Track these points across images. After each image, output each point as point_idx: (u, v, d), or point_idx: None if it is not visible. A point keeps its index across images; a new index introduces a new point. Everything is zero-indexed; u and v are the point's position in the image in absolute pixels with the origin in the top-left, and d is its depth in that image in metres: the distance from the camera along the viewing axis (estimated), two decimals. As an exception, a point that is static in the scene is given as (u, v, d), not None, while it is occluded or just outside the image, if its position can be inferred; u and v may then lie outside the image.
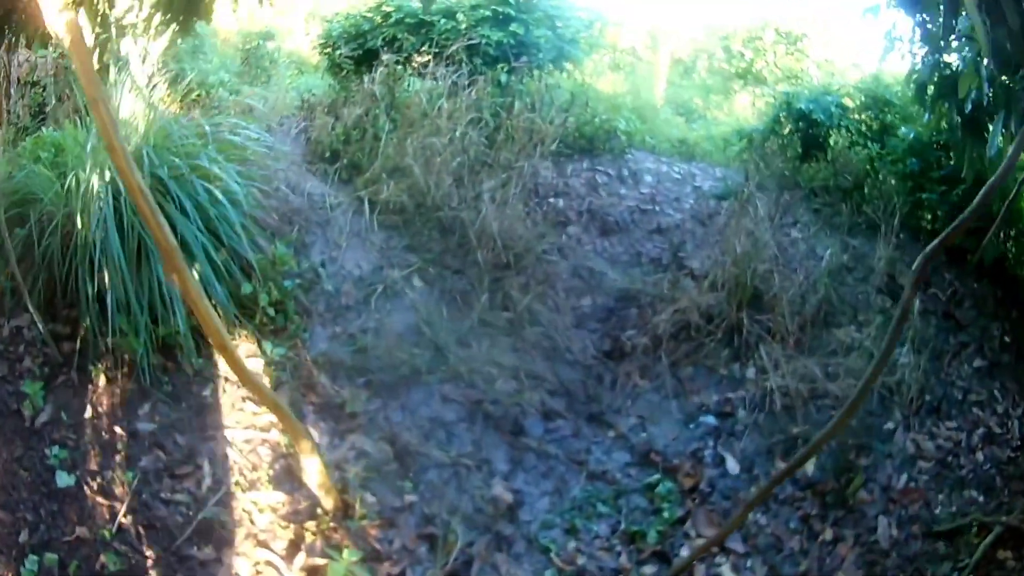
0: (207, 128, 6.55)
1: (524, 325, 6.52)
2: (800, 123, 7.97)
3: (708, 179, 8.64)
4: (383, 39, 8.37)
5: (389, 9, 8.58)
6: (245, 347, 6.01)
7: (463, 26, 8.18)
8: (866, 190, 7.32)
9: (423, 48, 8.04)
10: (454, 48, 7.85)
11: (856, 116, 8.00)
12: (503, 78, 7.92)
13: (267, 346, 6.21)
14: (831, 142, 7.99)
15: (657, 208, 7.88)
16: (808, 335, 6.61)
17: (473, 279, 6.84)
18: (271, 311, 6.41)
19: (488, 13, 8.21)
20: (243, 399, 5.57)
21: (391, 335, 6.48)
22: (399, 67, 8.00)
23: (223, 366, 5.56)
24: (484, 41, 8.03)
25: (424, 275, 6.95)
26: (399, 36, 8.21)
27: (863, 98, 8.09)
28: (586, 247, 7.23)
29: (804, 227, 7.41)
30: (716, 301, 6.40)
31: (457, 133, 7.32)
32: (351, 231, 7.28)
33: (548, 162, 7.76)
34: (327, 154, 7.88)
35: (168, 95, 7.42)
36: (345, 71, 8.60)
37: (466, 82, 7.86)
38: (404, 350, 6.32)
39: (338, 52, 8.68)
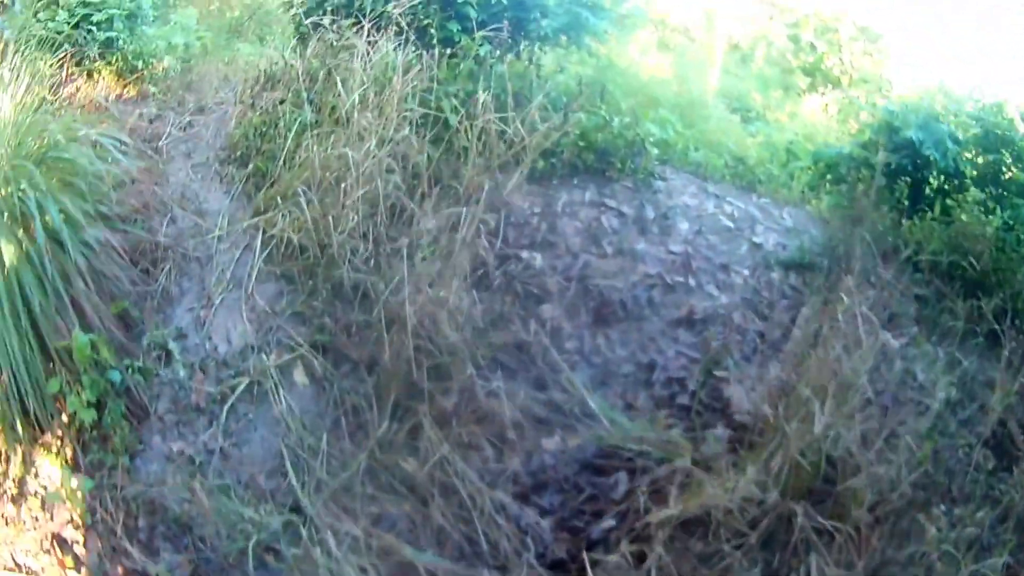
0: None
1: (433, 489, 4.41)
2: (905, 158, 5.33)
3: (773, 229, 5.80)
4: None
5: None
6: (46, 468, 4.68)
7: None
8: (993, 278, 5.21)
9: (385, 7, 5.52)
10: (419, 4, 5.26)
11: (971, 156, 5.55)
12: (483, 50, 5.35)
13: (65, 474, 4.69)
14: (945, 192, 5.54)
15: (692, 282, 5.24)
16: (883, 530, 4.05)
17: (375, 390, 4.65)
18: (87, 415, 4.77)
19: None
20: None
21: (244, 465, 4.71)
22: (350, 33, 5.51)
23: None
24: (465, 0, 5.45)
25: (310, 367, 4.80)
26: None
27: (977, 131, 5.52)
28: (565, 345, 4.78)
29: (903, 327, 4.61)
30: (761, 481, 3.85)
31: (389, 138, 4.87)
32: (233, 278, 5.21)
33: (529, 189, 5.16)
34: (239, 153, 5.68)
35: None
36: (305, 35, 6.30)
37: (425, 57, 5.29)
38: (253, 499, 4.58)
39: (299, 10, 6.34)
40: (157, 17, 7.66)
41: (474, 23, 5.87)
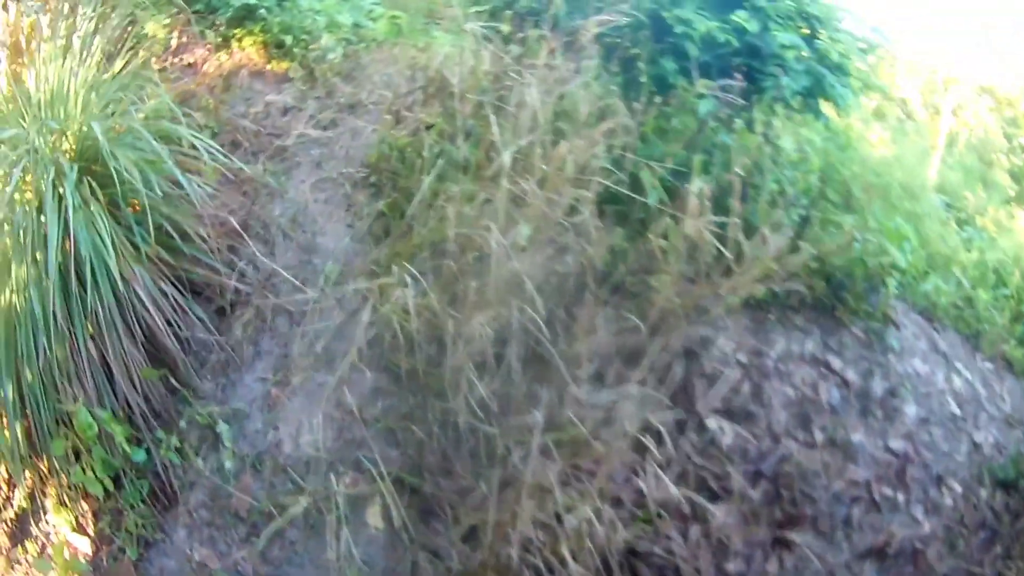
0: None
1: None
2: None
3: (994, 417, 4.31)
4: None
5: None
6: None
7: None
8: None
9: (580, 20, 4.12)
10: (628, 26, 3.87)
11: None
12: (702, 107, 3.86)
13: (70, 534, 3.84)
14: None
15: (901, 498, 3.98)
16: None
17: (463, 567, 3.28)
18: (95, 488, 3.82)
19: None
20: None
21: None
22: (538, 49, 4.19)
23: None
24: (684, 31, 3.89)
25: (388, 510, 3.51)
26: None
27: None
28: (727, 566, 3.33)
29: None
30: None
31: (558, 220, 3.53)
32: (325, 354, 3.97)
33: (735, 323, 3.64)
34: (374, 178, 4.42)
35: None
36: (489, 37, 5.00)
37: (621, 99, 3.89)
38: None
39: (478, 7, 5.34)
40: None
41: (694, 65, 4.30)
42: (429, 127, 4.42)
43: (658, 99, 4.52)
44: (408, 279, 3.92)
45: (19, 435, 3.79)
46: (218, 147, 4.38)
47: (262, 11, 5.70)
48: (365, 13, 6.55)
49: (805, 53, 4.41)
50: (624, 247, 3.98)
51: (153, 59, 5.15)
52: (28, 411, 3.80)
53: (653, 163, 4.18)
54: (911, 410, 4.11)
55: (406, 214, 4.35)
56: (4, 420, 3.83)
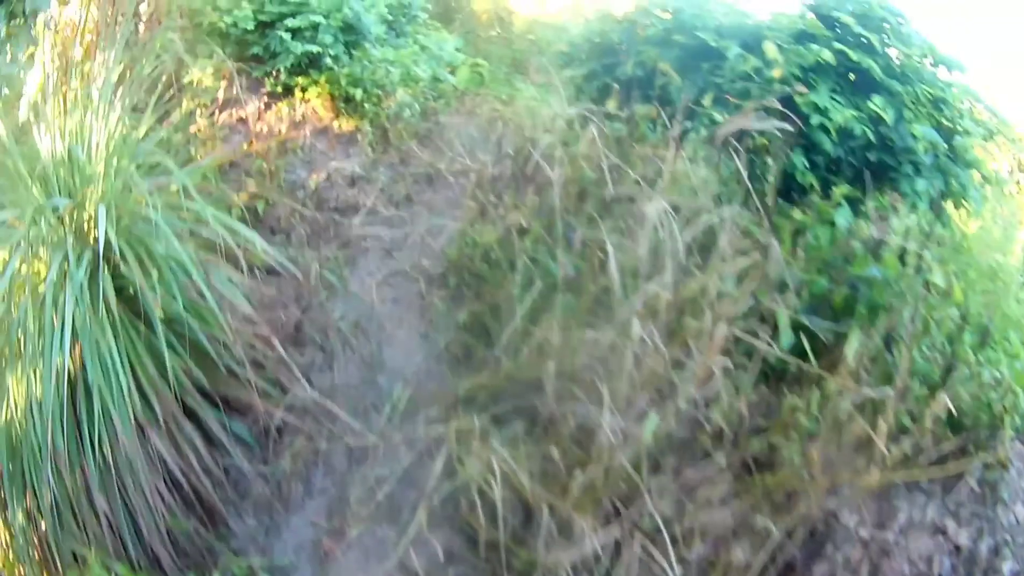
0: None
1: None
2: None
3: None
4: (637, 65, 4.10)
5: (657, 13, 4.37)
6: None
7: (774, 74, 3.79)
8: None
9: (698, 98, 3.44)
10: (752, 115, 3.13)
11: None
12: (839, 218, 3.12)
13: None
14: None
15: None
16: None
17: None
18: None
19: (828, 57, 3.78)
20: None
21: None
22: (651, 129, 3.41)
23: None
24: (819, 122, 3.42)
25: None
26: (660, 67, 3.92)
27: None
28: None
29: None
30: None
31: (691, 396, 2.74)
32: (389, 505, 3.29)
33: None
34: (454, 281, 3.68)
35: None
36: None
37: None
38: None
39: (572, 70, 4.67)
40: (390, 35, 5.69)
41: (826, 161, 3.55)
42: (524, 233, 3.61)
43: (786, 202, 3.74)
44: (492, 427, 3.14)
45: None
46: (265, 240, 3.64)
47: (327, 60, 4.97)
48: (445, 64, 5.80)
49: (934, 139, 3.74)
50: (750, 397, 3.15)
51: (197, 112, 4.43)
52: (41, 547, 3.12)
53: (787, 297, 3.34)
54: (1007, 566, 3.30)
55: (491, 334, 3.56)
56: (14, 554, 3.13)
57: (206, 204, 3.46)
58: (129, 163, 3.54)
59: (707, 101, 3.87)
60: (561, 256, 3.40)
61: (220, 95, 4.64)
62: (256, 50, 5.06)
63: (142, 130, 3.73)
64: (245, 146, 4.41)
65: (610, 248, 3.08)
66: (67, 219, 3.29)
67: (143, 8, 5.68)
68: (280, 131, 4.60)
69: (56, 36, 6.00)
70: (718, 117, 3.73)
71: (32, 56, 6.12)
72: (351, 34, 5.12)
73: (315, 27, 4.93)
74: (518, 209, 3.73)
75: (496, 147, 4.75)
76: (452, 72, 5.86)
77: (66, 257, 3.11)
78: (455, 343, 3.72)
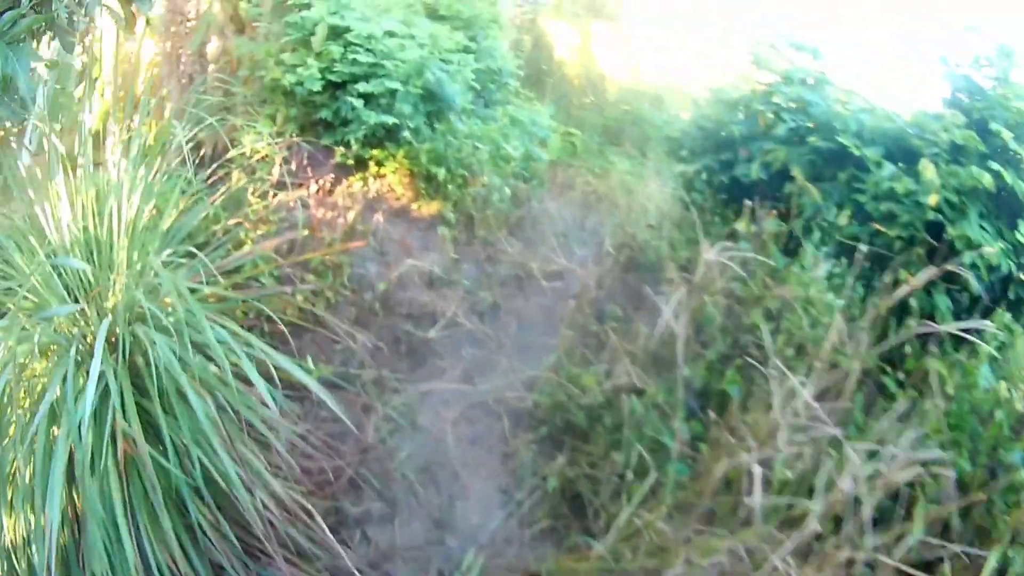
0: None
1: None
2: None
3: None
4: (763, 167, 3.51)
5: (779, 103, 3.72)
6: None
7: (930, 201, 3.20)
8: None
9: (834, 214, 3.34)
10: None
11: None
12: (982, 376, 2.40)
13: None
14: None
15: None
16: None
17: None
18: None
19: (987, 182, 3.25)
20: None
21: None
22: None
23: None
24: (972, 260, 3.11)
25: None
26: (788, 171, 3.36)
27: None
28: None
29: None
30: None
31: None
32: None
33: None
34: (544, 430, 2.85)
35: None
36: (701, 206, 3.37)
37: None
38: None
39: (688, 167, 3.48)
40: (477, 104, 4.98)
41: (969, 300, 3.19)
42: (639, 392, 2.79)
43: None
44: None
45: None
46: (323, 350, 2.89)
47: (406, 133, 4.25)
48: (538, 141, 5.06)
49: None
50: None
51: (251, 186, 3.72)
52: None
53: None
54: None
55: (586, 508, 2.75)
56: None
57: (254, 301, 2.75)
58: (156, 253, 2.84)
59: (843, 219, 3.33)
60: (679, 428, 2.61)
61: (277, 167, 3.92)
62: (324, 114, 4.38)
63: (173, 211, 3.03)
64: (305, 232, 3.67)
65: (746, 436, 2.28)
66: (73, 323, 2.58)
67: (210, 49, 5.11)
68: (347, 217, 3.86)
69: (117, 67, 5.47)
70: (862, 246, 3.00)
71: (93, 83, 5.67)
72: (433, 103, 4.41)
73: (392, 94, 4.23)
74: (625, 356, 2.93)
75: (593, 234, 4.01)
76: (544, 148, 5.13)
77: (65, 378, 2.38)
78: (542, 508, 2.90)
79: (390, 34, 4.47)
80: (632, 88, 7.32)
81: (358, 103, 4.17)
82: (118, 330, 2.55)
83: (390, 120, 4.17)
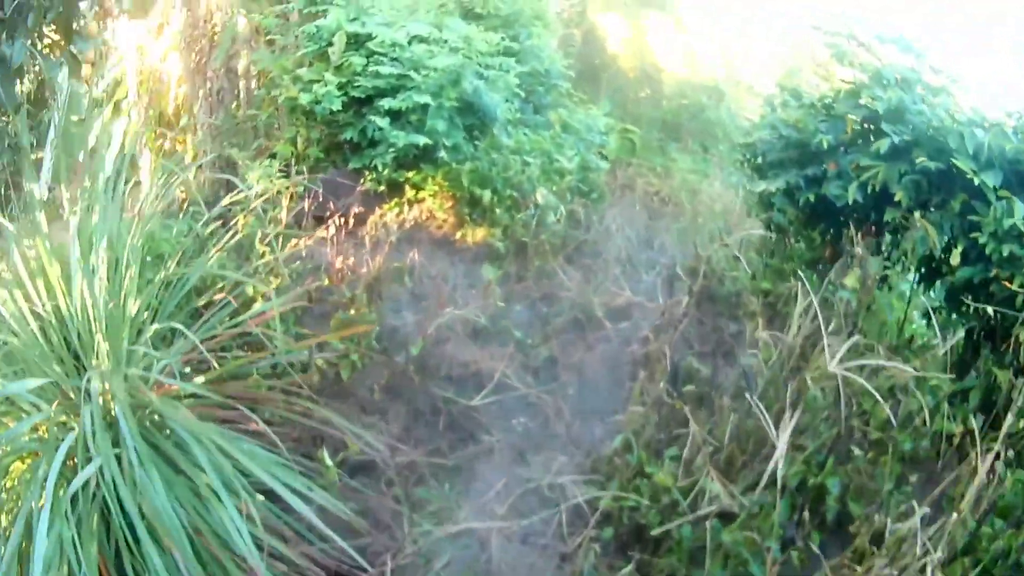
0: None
1: None
2: None
3: None
4: (860, 187, 2.95)
5: (870, 106, 3.02)
6: None
7: None
8: None
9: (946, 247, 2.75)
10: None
11: None
12: None
13: None
14: None
15: None
16: None
17: None
18: None
19: None
20: None
21: None
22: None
23: None
24: None
25: None
26: (888, 193, 2.84)
27: None
28: None
29: None
30: None
31: None
32: None
33: None
34: (607, 527, 2.29)
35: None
36: (781, 226, 2.70)
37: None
38: None
39: (769, 183, 3.24)
40: (525, 110, 4.35)
41: None
42: (725, 516, 2.17)
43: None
44: None
45: None
46: (347, 419, 2.34)
47: (442, 154, 3.65)
48: (595, 147, 4.42)
49: None
50: None
51: (259, 234, 3.17)
52: None
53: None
54: None
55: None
56: None
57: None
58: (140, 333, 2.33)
59: (954, 258, 2.76)
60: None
61: (286, 206, 3.36)
62: (349, 134, 3.82)
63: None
64: (325, 281, 3.11)
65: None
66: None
67: (240, 65, 4.61)
68: (375, 259, 3.27)
69: (143, 85, 5.00)
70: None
71: (117, 105, 5.14)
72: (472, 116, 3.82)
73: (422, 109, 3.64)
74: (704, 448, 2.30)
75: (663, 258, 3.37)
76: (602, 155, 4.49)
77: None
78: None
79: (418, 39, 3.88)
80: (689, 81, 6.67)
81: (384, 122, 3.60)
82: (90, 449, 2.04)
83: (421, 140, 3.59)
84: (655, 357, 2.82)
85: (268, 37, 4.34)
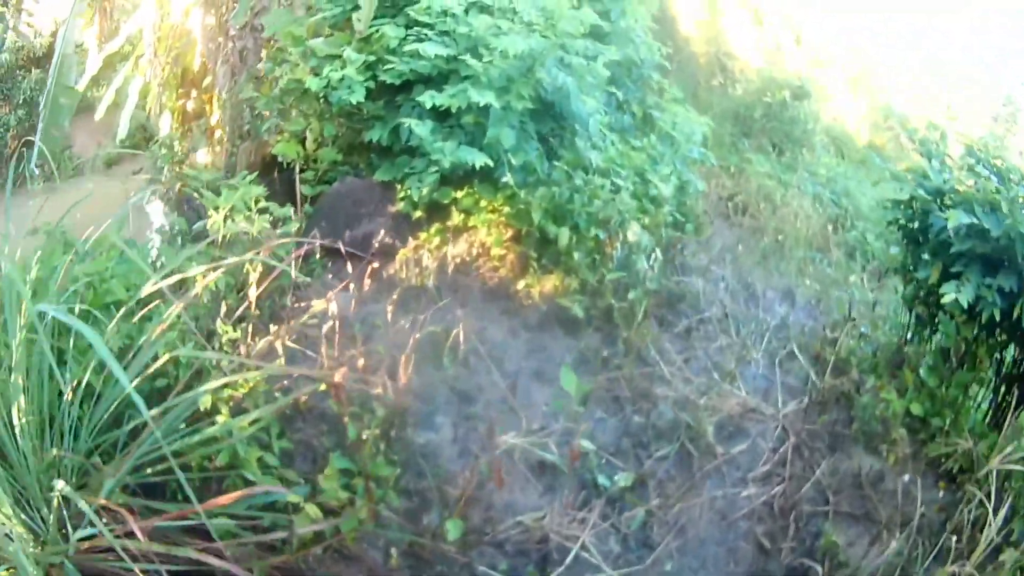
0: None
1: None
2: None
3: None
4: None
5: None
6: None
7: None
8: None
9: None
10: None
11: None
12: None
13: None
14: None
15: None
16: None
17: None
18: None
19: None
20: None
21: None
22: None
23: None
24: None
25: None
26: None
27: None
28: None
29: None
30: None
31: None
32: None
33: None
34: None
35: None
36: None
37: None
38: None
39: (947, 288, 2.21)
40: (611, 112, 3.20)
41: None
42: None
43: None
44: None
45: None
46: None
47: (506, 178, 2.53)
48: (694, 164, 3.29)
49: None
50: None
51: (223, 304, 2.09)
52: None
53: None
54: None
55: None
56: None
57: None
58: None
59: None
60: None
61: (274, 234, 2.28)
62: (376, 134, 2.71)
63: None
64: (337, 378, 2.02)
65: None
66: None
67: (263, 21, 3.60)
68: (416, 292, 2.19)
69: (160, 43, 4.40)
70: None
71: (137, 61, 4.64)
72: (549, 120, 2.68)
73: (481, 111, 2.50)
74: None
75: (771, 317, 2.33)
76: (701, 171, 3.37)
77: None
78: None
79: (478, 7, 2.73)
80: (763, 72, 5.60)
81: (424, 128, 2.47)
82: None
83: (478, 160, 2.46)
84: (779, 514, 1.78)
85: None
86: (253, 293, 2.11)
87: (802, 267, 3.60)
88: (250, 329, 2.11)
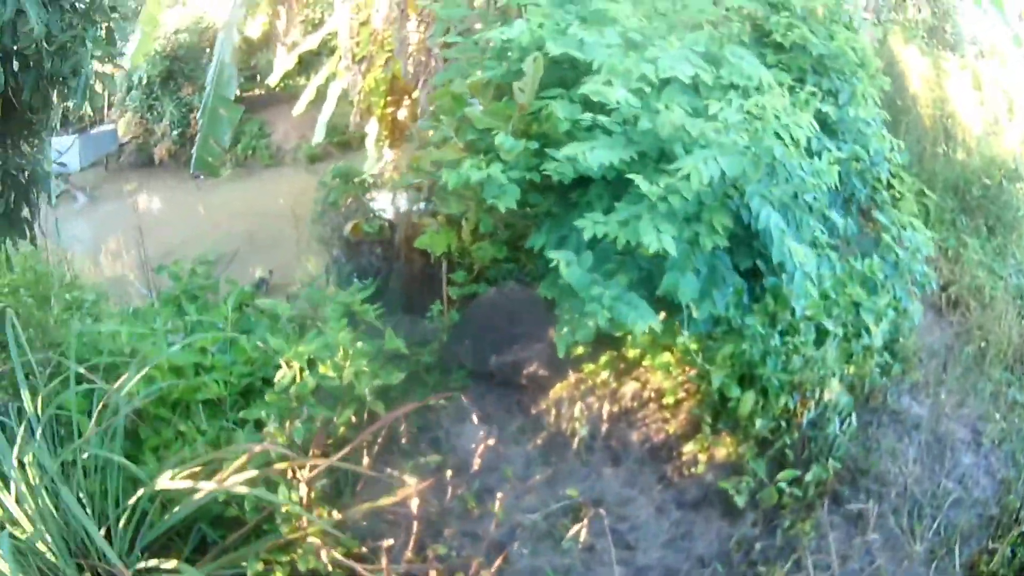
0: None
1: None
2: None
3: None
4: None
5: None
6: None
7: None
8: None
9: None
10: None
11: None
12: None
13: None
14: None
15: None
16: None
17: None
18: None
19: None
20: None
21: None
22: None
23: None
24: None
25: None
26: None
27: None
28: None
29: None
30: None
31: None
32: None
33: None
34: None
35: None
36: None
37: None
38: None
39: None
40: (848, 228, 2.54)
41: None
42: None
43: None
44: None
45: None
46: None
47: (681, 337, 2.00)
48: (913, 284, 2.63)
49: None
50: None
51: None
52: None
53: None
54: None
55: None
56: None
57: None
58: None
59: None
60: None
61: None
62: (540, 242, 2.24)
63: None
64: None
65: None
66: None
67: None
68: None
69: (361, 48, 4.12)
70: None
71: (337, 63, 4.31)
72: (751, 254, 2.10)
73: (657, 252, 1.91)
74: None
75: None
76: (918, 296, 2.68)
77: None
78: None
79: (668, 85, 2.12)
80: (985, 150, 4.69)
81: (575, 272, 1.91)
82: None
83: (643, 322, 1.89)
84: None
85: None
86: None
87: (996, 392, 2.90)
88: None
